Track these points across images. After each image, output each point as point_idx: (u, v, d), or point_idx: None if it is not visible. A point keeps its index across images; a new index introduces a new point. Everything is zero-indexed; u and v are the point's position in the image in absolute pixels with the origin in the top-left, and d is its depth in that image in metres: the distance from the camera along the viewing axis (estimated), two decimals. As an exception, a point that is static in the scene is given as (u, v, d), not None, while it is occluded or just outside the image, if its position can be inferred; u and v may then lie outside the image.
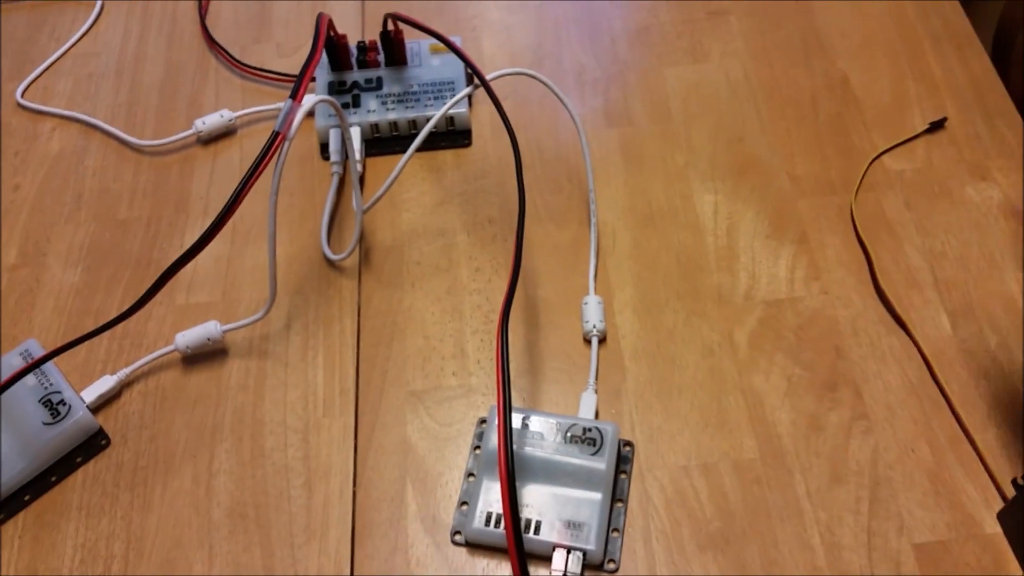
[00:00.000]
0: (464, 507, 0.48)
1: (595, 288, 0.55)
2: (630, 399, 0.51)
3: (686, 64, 0.66)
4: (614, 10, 0.70)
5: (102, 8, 0.74)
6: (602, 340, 0.53)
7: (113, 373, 0.53)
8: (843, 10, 0.68)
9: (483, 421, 0.51)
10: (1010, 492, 0.48)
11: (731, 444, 0.49)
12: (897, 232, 0.57)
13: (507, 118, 0.54)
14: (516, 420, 0.48)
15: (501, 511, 0.46)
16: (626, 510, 0.47)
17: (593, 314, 0.53)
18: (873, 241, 0.56)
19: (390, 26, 0.62)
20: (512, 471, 0.41)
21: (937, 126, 0.62)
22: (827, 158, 0.60)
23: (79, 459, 0.50)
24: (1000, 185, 0.59)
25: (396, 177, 0.55)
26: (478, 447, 0.50)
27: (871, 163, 0.60)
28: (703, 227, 0.58)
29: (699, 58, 0.67)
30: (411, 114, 0.62)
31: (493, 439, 0.48)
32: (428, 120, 0.62)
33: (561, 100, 0.58)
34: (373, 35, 0.69)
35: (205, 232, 0.47)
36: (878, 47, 0.66)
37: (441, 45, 0.64)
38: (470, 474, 0.49)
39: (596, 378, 0.51)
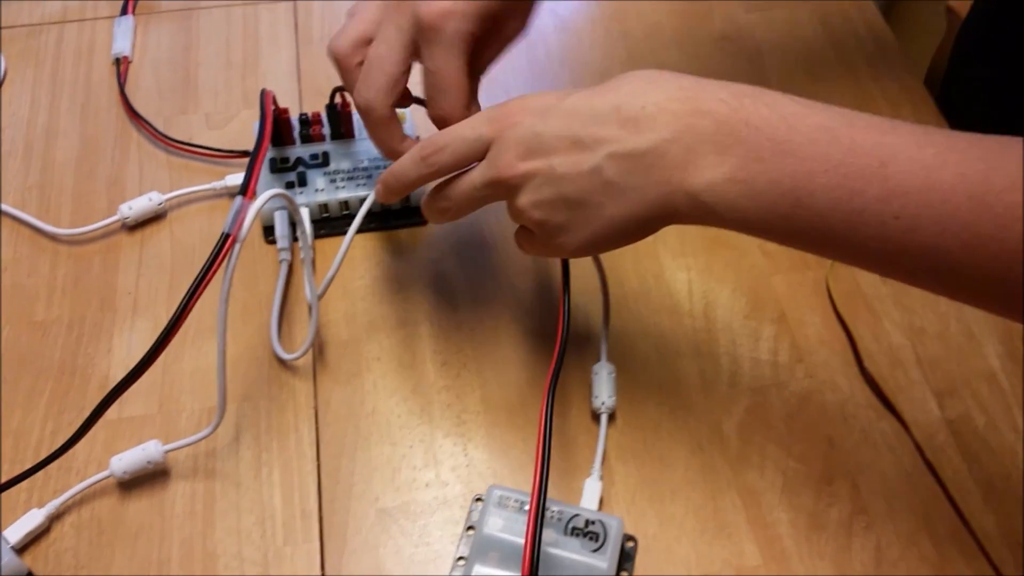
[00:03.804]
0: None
1: (606, 354, 0.51)
2: (621, 504, 0.48)
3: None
4: (565, 73, 0.68)
5: (5, 74, 0.67)
6: (611, 416, 0.50)
7: (41, 506, 0.46)
8: (798, 77, 0.67)
9: (478, 499, 0.47)
10: (1014, 583, 0.46)
11: (731, 551, 0.46)
12: (875, 308, 0.55)
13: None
14: (513, 503, 0.45)
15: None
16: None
17: (603, 387, 0.49)
18: (852, 318, 0.54)
19: (337, 99, 0.57)
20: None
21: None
22: (797, 229, 0.59)
23: (3, 612, 0.44)
24: (969, 253, 0.58)
25: (343, 258, 0.51)
26: (471, 528, 0.46)
27: (841, 234, 0.59)
28: (679, 308, 0.55)
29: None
30: (363, 192, 0.57)
31: (490, 523, 0.44)
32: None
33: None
34: (311, 104, 0.65)
35: (147, 354, 0.42)
36: (836, 111, 0.65)
37: (390, 116, 0.60)
38: (460, 558, 0.45)
39: (603, 463, 0.48)
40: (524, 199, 0.41)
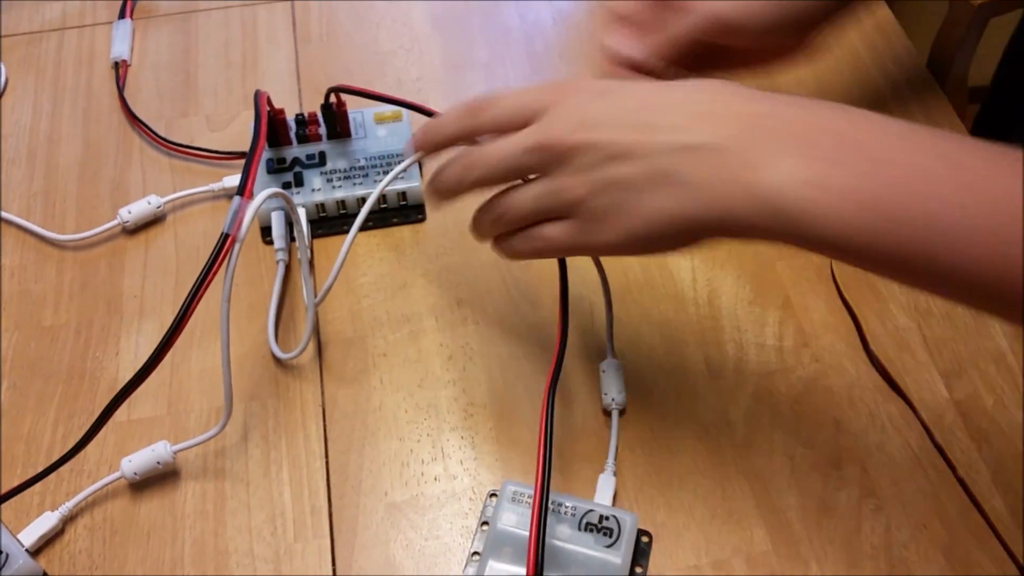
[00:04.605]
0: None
1: (612, 351, 0.51)
2: (629, 494, 0.48)
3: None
4: (564, 66, 0.67)
5: (6, 82, 0.67)
6: (622, 412, 0.50)
7: (54, 508, 0.47)
8: (804, 74, 0.67)
9: (493, 495, 0.47)
10: (1027, 563, 0.46)
11: (741, 537, 0.46)
12: (880, 291, 0.55)
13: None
14: (527, 499, 0.45)
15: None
16: (638, 620, 0.44)
17: (612, 384, 0.50)
18: (858, 302, 0.54)
19: (332, 99, 0.57)
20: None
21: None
22: (800, 214, 0.58)
23: (19, 615, 0.44)
24: (974, 233, 0.58)
25: (341, 266, 0.50)
26: (485, 523, 0.46)
27: (844, 217, 0.58)
28: (683, 296, 0.55)
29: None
30: (360, 191, 0.57)
31: (504, 519, 0.44)
32: (380, 197, 0.58)
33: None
34: (310, 104, 0.65)
35: (152, 355, 0.42)
36: (837, 95, 0.65)
37: (387, 114, 0.60)
38: (474, 553, 0.46)
39: (616, 459, 0.48)
40: (570, 171, 0.38)
